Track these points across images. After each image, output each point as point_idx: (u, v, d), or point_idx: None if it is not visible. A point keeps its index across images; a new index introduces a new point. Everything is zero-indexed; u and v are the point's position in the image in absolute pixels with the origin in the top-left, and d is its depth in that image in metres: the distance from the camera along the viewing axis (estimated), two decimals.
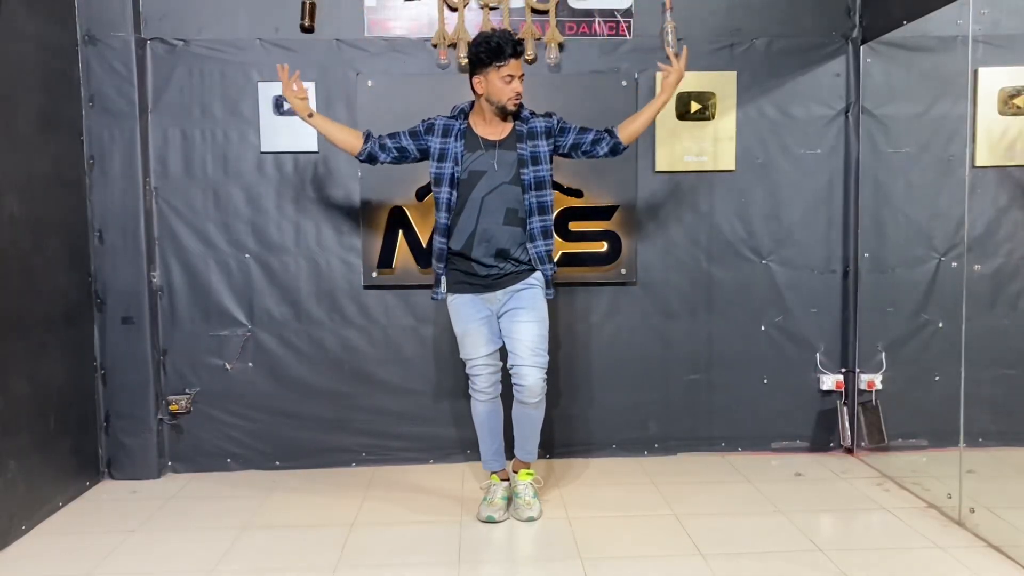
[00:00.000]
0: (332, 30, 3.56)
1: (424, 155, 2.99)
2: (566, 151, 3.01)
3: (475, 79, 2.88)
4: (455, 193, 2.92)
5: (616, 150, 3.03)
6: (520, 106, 2.91)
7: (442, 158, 2.93)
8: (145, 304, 3.49)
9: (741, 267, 3.73)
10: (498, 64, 2.81)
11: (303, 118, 3.03)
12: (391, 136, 3.02)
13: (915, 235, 3.65)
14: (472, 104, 2.96)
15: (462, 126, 2.94)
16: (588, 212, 3.59)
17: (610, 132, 3.01)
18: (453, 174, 2.91)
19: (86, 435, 3.42)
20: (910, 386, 3.64)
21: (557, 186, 3.36)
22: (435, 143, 2.94)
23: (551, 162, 2.97)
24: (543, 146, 2.93)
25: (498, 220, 2.91)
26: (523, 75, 2.88)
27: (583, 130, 3.01)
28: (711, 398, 3.77)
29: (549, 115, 3.00)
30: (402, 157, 3.03)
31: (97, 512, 3.20)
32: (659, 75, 3.09)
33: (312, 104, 3.51)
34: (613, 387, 3.74)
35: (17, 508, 2.90)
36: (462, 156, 2.91)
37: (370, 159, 3.04)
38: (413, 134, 2.99)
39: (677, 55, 3.04)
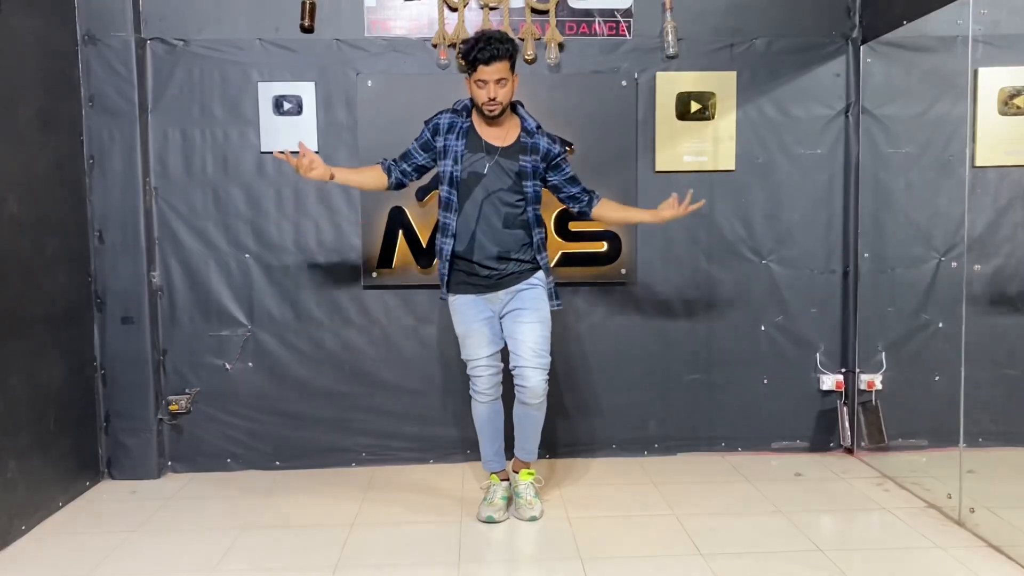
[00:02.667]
0: (332, 30, 3.56)
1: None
2: (547, 185, 3.02)
3: (465, 80, 2.89)
4: (455, 193, 2.92)
5: (582, 217, 3.10)
6: (503, 112, 2.85)
7: (446, 155, 2.92)
8: (145, 304, 3.49)
9: (741, 267, 3.73)
10: (470, 70, 2.81)
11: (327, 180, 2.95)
12: (404, 158, 3.01)
13: (915, 235, 3.65)
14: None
15: (465, 124, 2.93)
16: None
17: (590, 200, 3.03)
18: (453, 173, 2.91)
19: (86, 435, 3.42)
20: (910, 386, 3.64)
21: None
22: (441, 141, 2.93)
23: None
24: (540, 164, 2.93)
25: (497, 224, 2.91)
26: (503, 80, 2.78)
27: (572, 180, 3.01)
28: (711, 398, 3.77)
29: (553, 140, 2.96)
30: (424, 172, 3.04)
31: (97, 512, 3.20)
32: (667, 201, 2.99)
33: (312, 104, 3.53)
34: (613, 387, 3.74)
35: (17, 508, 2.90)
36: (462, 155, 2.90)
37: (399, 186, 3.06)
38: (424, 146, 2.97)
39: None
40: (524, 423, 3.04)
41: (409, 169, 3.01)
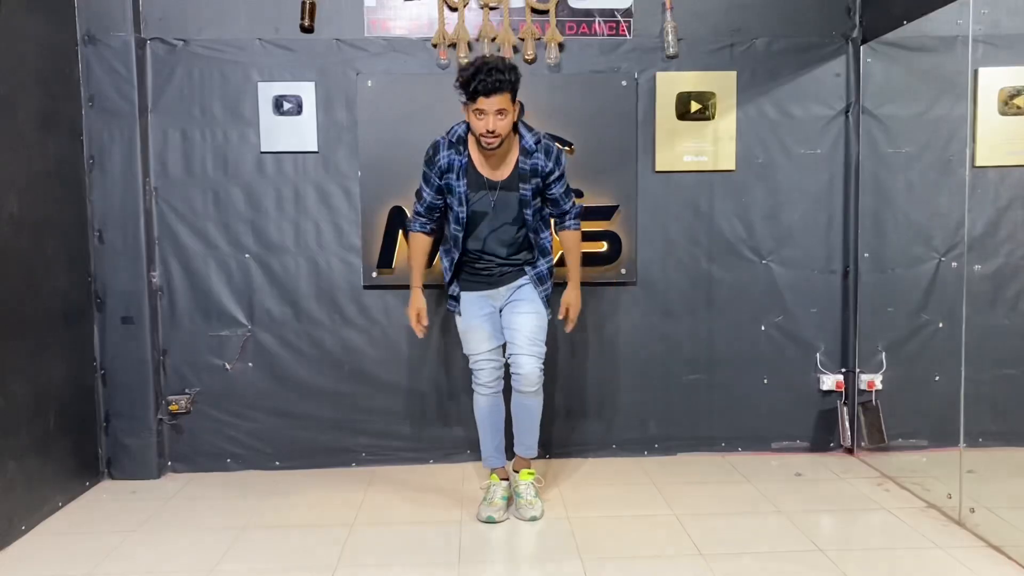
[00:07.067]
0: (332, 30, 3.56)
1: None
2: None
3: (462, 107, 2.82)
4: (461, 231, 2.93)
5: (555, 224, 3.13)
6: (501, 143, 2.78)
7: (450, 192, 2.92)
8: (145, 304, 3.49)
9: (741, 267, 3.73)
10: (468, 100, 2.75)
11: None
12: (429, 211, 2.99)
13: (915, 235, 3.65)
14: (468, 126, 2.86)
15: (463, 161, 2.87)
16: (588, 212, 3.58)
17: (559, 224, 3.06)
18: (459, 215, 2.91)
19: (86, 435, 3.42)
20: (910, 386, 3.64)
21: None
22: (443, 180, 2.91)
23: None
24: (539, 184, 2.91)
25: (501, 255, 2.97)
26: (502, 111, 2.71)
27: (555, 202, 2.99)
28: (711, 398, 3.77)
29: (549, 153, 2.89)
30: (442, 208, 3.03)
31: (97, 512, 3.20)
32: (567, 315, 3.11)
33: (312, 105, 3.54)
34: (613, 387, 3.74)
35: (17, 508, 2.90)
36: (466, 196, 2.88)
37: (441, 230, 3.08)
38: (439, 191, 2.94)
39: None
40: (521, 415, 3.06)
41: (438, 216, 3.02)
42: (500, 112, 2.72)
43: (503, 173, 2.89)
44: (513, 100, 2.76)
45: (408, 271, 3.19)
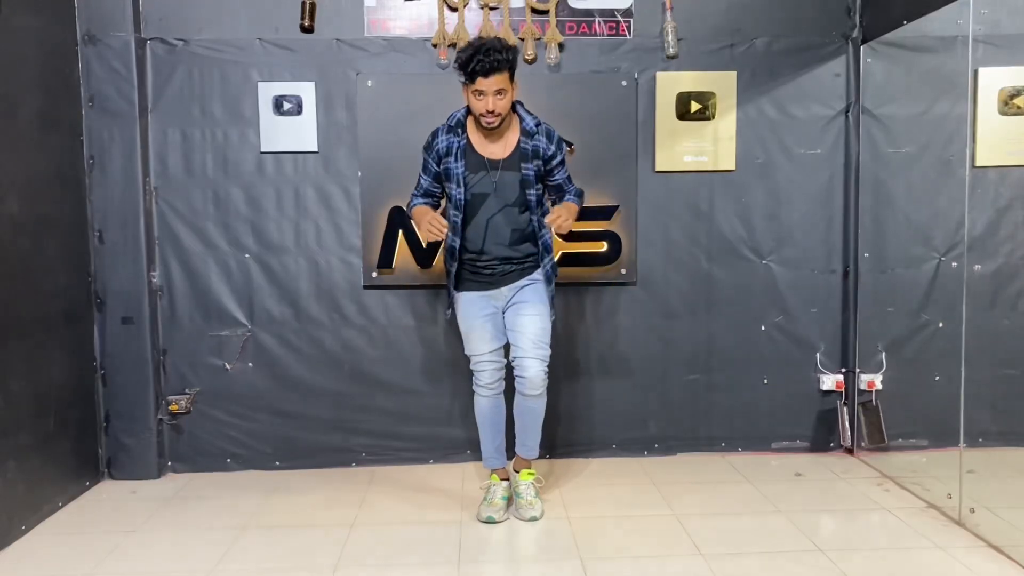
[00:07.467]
0: (332, 30, 3.56)
1: None
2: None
3: (462, 88, 2.83)
4: (460, 216, 2.90)
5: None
6: (501, 122, 2.80)
7: (449, 178, 2.91)
8: (145, 304, 3.49)
9: (741, 267, 3.73)
10: (467, 81, 2.75)
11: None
12: (426, 195, 2.97)
13: (915, 235, 3.65)
14: (468, 110, 2.89)
15: (462, 143, 2.88)
16: (588, 212, 3.57)
17: (563, 199, 3.01)
18: (457, 197, 2.89)
19: (86, 435, 3.42)
20: (910, 386, 3.64)
21: None
22: (443, 165, 2.90)
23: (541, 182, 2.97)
24: (541, 167, 2.91)
25: (504, 240, 2.93)
26: (501, 91, 2.72)
27: (558, 187, 2.99)
28: (711, 398, 3.77)
29: (552, 136, 2.90)
30: (439, 197, 3.02)
31: (97, 512, 3.20)
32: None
33: (312, 105, 3.54)
34: (613, 387, 3.74)
35: (17, 508, 2.91)
36: (464, 177, 2.88)
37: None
38: (437, 177, 2.94)
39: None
40: (524, 417, 3.05)
41: (432, 199, 3.00)
42: (499, 92, 2.74)
43: (504, 153, 2.88)
44: (511, 79, 2.78)
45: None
